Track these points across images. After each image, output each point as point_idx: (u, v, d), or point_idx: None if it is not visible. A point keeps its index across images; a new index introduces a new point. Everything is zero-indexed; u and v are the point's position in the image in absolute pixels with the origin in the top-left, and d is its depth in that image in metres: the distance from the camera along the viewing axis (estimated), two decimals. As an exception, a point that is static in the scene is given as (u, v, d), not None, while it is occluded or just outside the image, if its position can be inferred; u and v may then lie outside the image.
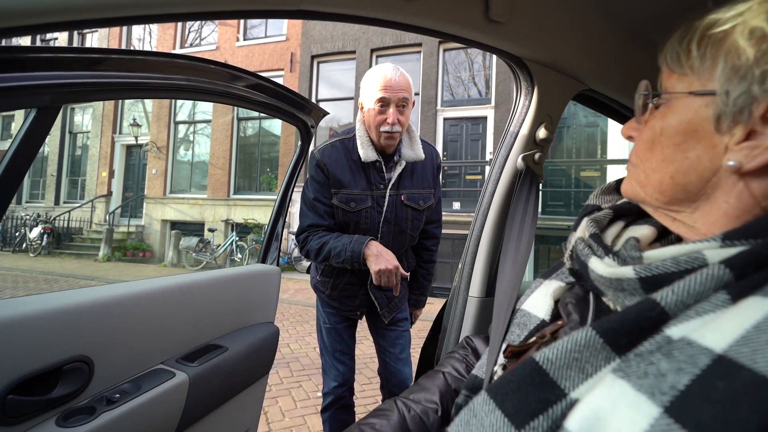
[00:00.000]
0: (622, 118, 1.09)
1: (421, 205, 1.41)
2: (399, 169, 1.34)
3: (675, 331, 0.30)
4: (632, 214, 0.48)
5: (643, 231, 0.45)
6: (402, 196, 1.37)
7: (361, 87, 1.33)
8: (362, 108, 1.33)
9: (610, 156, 6.99)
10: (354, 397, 1.58)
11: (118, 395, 0.81)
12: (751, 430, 0.23)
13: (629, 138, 0.47)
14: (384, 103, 1.25)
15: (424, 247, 1.57)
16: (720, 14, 0.37)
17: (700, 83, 0.38)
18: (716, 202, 0.37)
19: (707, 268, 0.32)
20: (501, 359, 0.51)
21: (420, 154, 1.36)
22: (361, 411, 2.30)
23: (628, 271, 0.37)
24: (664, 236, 0.45)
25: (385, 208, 1.35)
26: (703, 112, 0.37)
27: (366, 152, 1.29)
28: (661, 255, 0.37)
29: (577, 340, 0.35)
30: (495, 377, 0.51)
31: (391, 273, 1.17)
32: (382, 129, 1.27)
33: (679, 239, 0.42)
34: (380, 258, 1.18)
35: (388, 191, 1.34)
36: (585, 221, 0.48)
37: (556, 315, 0.49)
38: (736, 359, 0.26)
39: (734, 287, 0.30)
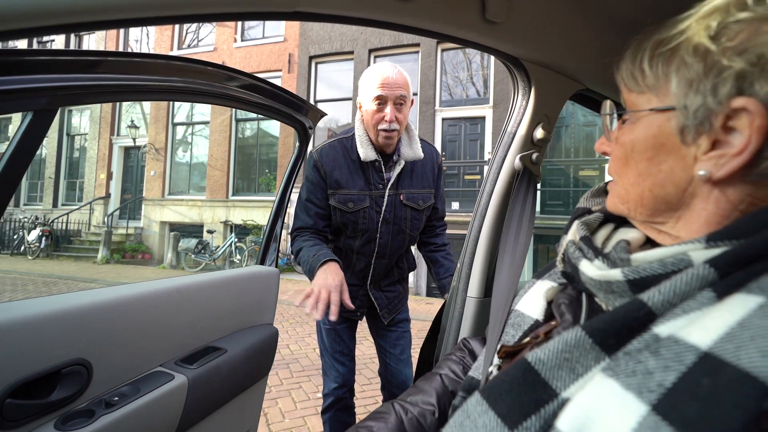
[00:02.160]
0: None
1: (420, 204, 1.40)
2: (398, 169, 1.33)
3: (662, 329, 0.31)
4: (621, 216, 0.49)
5: (633, 234, 0.45)
6: (401, 196, 1.36)
7: (359, 86, 1.33)
8: (360, 107, 1.32)
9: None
10: (354, 398, 1.58)
11: (116, 398, 0.81)
12: (735, 426, 0.24)
13: (604, 153, 0.48)
14: (381, 101, 1.24)
15: (434, 234, 1.54)
16: (664, 33, 0.38)
17: (658, 99, 0.39)
18: (695, 210, 0.38)
19: (692, 268, 0.33)
20: (496, 360, 0.52)
21: (419, 152, 1.35)
22: (361, 412, 2.30)
23: (616, 274, 0.38)
24: None
25: (383, 208, 1.34)
26: (666, 127, 0.38)
27: (366, 151, 1.28)
28: (648, 257, 0.37)
29: (567, 341, 0.35)
30: (491, 378, 0.51)
31: (323, 289, 1.04)
32: (380, 127, 1.26)
33: None
34: (325, 275, 1.09)
35: (387, 191, 1.34)
36: (576, 224, 0.48)
37: (549, 315, 0.50)
38: (721, 356, 0.26)
39: (719, 285, 0.31)
